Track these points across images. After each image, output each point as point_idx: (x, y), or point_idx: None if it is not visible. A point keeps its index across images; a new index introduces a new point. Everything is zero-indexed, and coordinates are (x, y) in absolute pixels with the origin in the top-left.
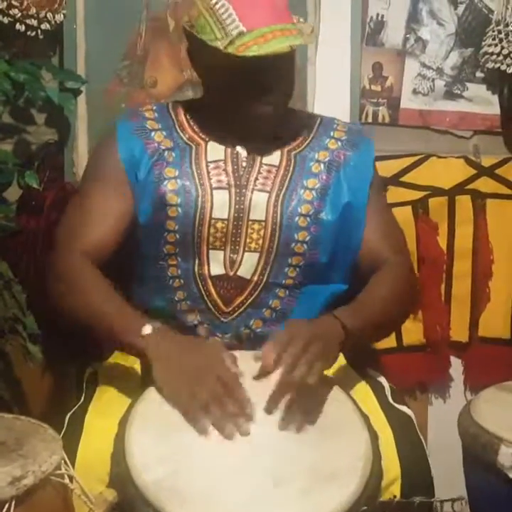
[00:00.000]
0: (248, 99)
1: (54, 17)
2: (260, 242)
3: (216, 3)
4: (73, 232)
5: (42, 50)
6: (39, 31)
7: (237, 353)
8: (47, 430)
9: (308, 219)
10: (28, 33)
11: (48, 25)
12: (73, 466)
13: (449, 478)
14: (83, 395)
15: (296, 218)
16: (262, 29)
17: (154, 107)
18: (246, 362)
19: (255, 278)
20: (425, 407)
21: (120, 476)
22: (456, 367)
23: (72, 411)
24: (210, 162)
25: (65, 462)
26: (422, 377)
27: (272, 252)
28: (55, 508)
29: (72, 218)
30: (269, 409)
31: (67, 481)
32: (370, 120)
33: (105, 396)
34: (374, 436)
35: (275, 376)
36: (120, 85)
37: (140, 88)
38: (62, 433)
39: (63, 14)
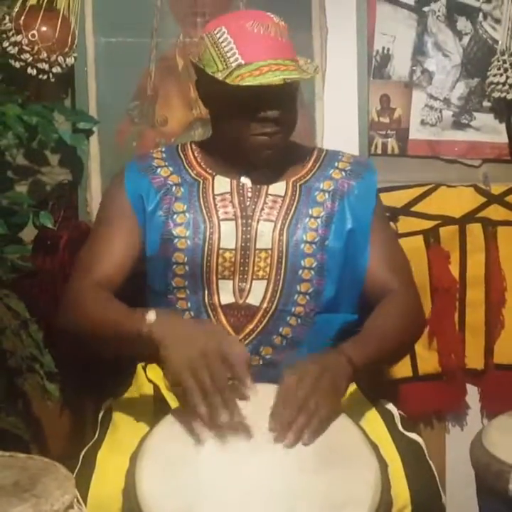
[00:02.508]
0: (246, 130)
1: (65, 60)
2: (267, 269)
3: (220, 37)
4: (85, 267)
5: (54, 92)
6: (51, 74)
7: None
8: (59, 469)
9: (313, 246)
10: (40, 76)
11: (59, 69)
12: (85, 502)
13: (468, 507)
14: (97, 431)
15: (302, 245)
16: (259, 63)
17: (163, 149)
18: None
19: (264, 305)
20: (443, 435)
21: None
22: (473, 394)
23: (86, 448)
24: (217, 195)
25: (78, 501)
26: (438, 406)
27: (279, 280)
28: None
29: (84, 256)
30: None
31: None
32: (379, 152)
33: (118, 431)
34: (383, 465)
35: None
36: (131, 125)
37: (151, 127)
38: (77, 470)
39: (74, 57)
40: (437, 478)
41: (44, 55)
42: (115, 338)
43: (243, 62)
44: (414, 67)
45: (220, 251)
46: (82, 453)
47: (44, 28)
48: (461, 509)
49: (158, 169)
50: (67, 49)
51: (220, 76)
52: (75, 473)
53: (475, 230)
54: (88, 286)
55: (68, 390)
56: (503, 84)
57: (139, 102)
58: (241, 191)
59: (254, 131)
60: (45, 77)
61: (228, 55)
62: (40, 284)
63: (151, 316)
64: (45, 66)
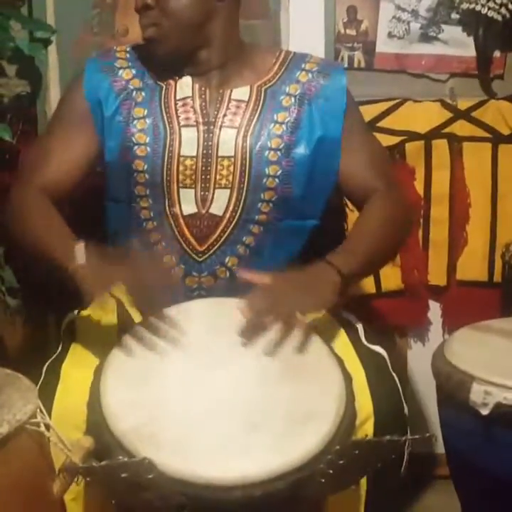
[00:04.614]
0: (140, 26)
1: None
2: (230, 178)
3: None
4: (34, 167)
5: None
6: None
7: (217, 301)
8: (22, 380)
9: (278, 153)
10: None
11: None
12: (50, 414)
13: (430, 419)
14: (60, 345)
15: (266, 152)
16: None
17: (128, 48)
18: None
19: (228, 214)
20: (405, 351)
21: (96, 423)
22: (435, 310)
23: (49, 361)
24: (179, 100)
25: (41, 411)
26: (401, 322)
27: (243, 188)
28: (31, 456)
29: (34, 154)
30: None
31: (43, 429)
32: (345, 65)
33: (82, 346)
34: (348, 378)
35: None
36: (91, 34)
37: (111, 37)
38: (40, 382)
39: None
40: (400, 390)
41: None
42: (47, 261)
43: None
44: None
45: (181, 158)
46: (45, 366)
47: None
48: (423, 422)
49: (120, 71)
50: None
51: None
52: (38, 386)
53: (441, 146)
54: (31, 193)
55: (29, 304)
56: None
57: (99, 10)
58: (203, 96)
59: (140, 23)
60: None
61: None
62: None
63: (80, 254)
64: None
